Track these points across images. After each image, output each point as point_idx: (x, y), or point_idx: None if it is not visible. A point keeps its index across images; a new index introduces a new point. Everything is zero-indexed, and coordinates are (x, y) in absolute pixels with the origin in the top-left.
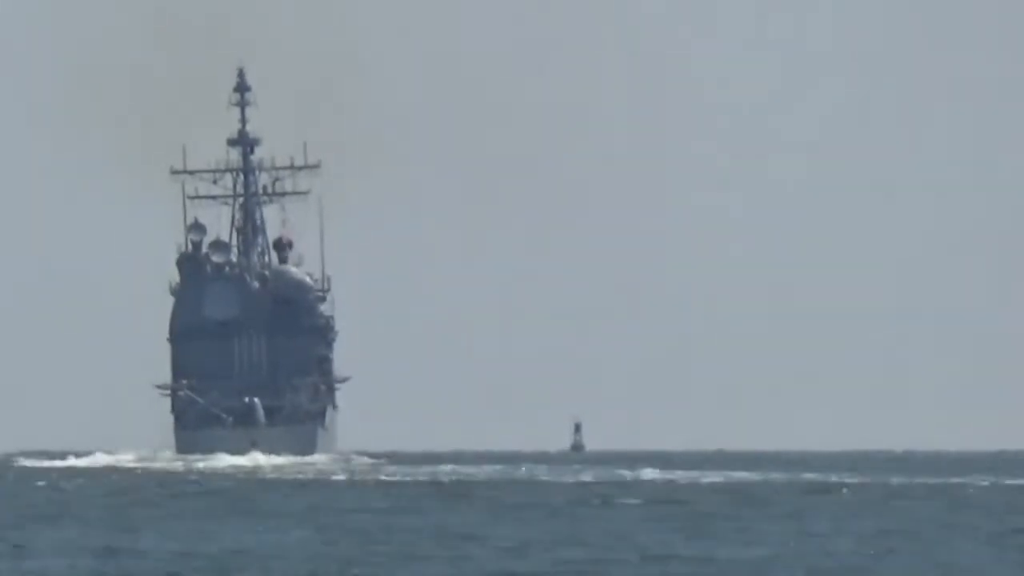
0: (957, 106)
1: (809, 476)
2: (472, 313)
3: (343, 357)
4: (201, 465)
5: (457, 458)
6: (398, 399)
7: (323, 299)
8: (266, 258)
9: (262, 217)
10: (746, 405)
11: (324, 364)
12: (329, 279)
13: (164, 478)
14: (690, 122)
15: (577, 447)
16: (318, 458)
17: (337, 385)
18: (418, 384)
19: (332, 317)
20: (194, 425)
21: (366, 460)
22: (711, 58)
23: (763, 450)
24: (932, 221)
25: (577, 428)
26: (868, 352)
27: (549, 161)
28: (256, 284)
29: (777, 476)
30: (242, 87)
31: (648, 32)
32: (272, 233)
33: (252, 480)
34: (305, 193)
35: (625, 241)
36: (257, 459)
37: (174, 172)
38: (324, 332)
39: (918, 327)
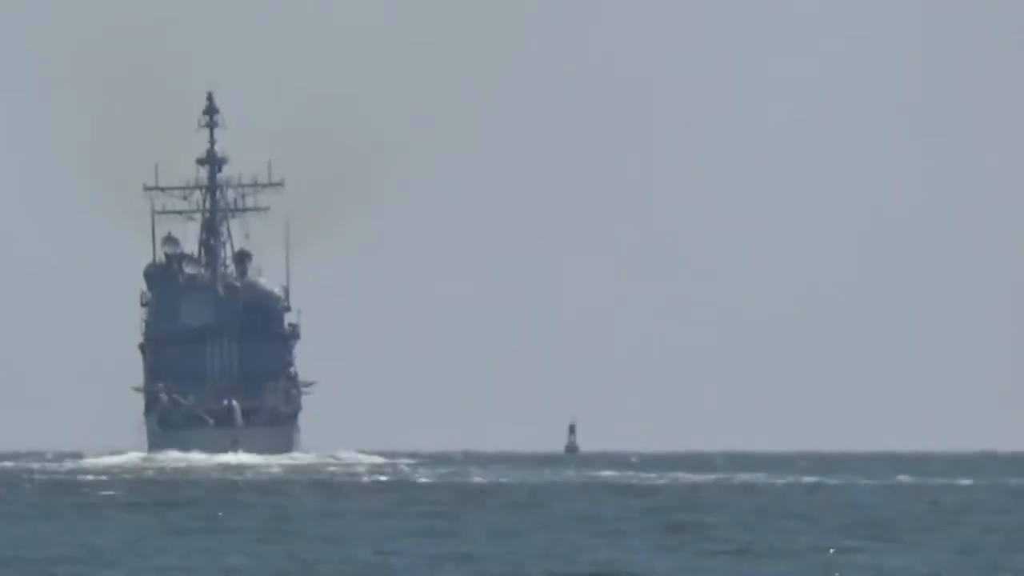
0: (960, 106)
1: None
2: (466, 312)
3: (309, 362)
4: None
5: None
6: (376, 401)
7: (288, 309)
8: (228, 270)
9: (228, 232)
10: (741, 407)
11: (291, 369)
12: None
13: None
14: (688, 124)
15: (571, 449)
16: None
17: (305, 389)
18: (402, 386)
19: (298, 325)
20: (179, 426)
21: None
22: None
23: (757, 451)
24: (933, 222)
25: (572, 430)
26: (867, 354)
27: (526, 165)
28: (223, 294)
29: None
30: (211, 109)
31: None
32: (235, 247)
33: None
34: (265, 209)
35: (618, 241)
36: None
37: (147, 189)
38: (290, 339)
39: (915, 329)
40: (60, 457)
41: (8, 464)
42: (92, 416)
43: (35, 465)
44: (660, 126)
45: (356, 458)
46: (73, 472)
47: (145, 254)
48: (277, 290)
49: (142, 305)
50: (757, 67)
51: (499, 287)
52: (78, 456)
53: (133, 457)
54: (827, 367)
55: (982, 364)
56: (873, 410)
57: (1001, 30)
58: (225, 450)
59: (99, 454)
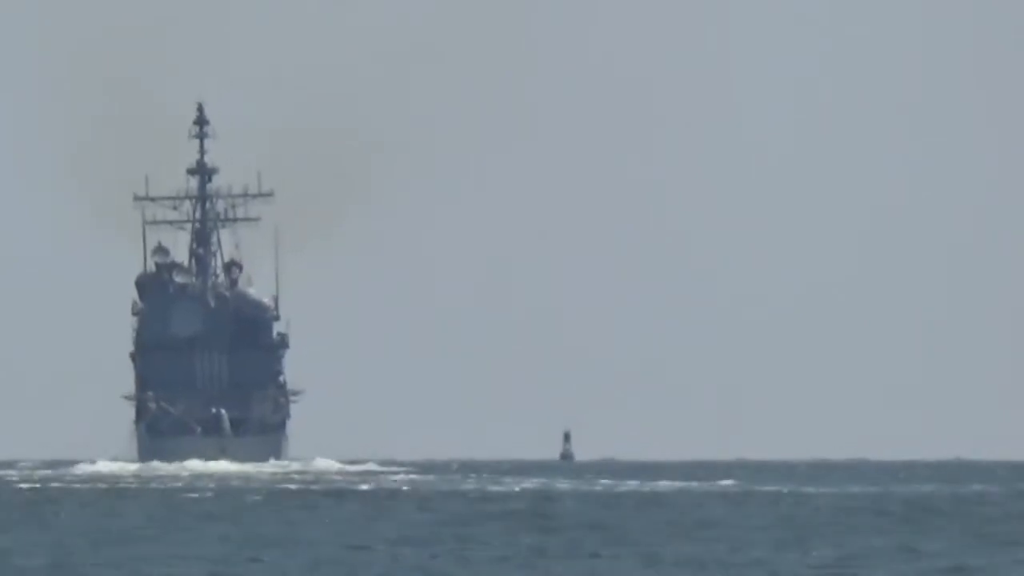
0: (960, 106)
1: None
2: (461, 317)
3: (298, 372)
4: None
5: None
6: (365, 410)
7: (277, 318)
8: (218, 279)
9: (218, 242)
10: (740, 414)
11: (280, 378)
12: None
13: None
14: (689, 124)
15: (566, 456)
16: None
17: (293, 398)
18: (391, 394)
19: (287, 335)
20: (168, 434)
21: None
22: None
23: (755, 460)
24: (934, 221)
25: (567, 437)
26: (869, 355)
27: (526, 165)
28: (213, 303)
29: None
30: (201, 120)
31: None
32: (225, 257)
33: None
34: (256, 219)
35: (618, 241)
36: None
37: (137, 199)
38: (279, 348)
39: (916, 329)
40: (51, 465)
41: None
42: (83, 424)
43: (15, 473)
44: (660, 126)
45: (332, 467)
46: (57, 480)
47: (136, 264)
48: (266, 300)
49: (133, 314)
50: (757, 67)
51: (498, 288)
52: (66, 464)
53: (120, 466)
54: (822, 374)
55: (983, 366)
56: (874, 414)
57: (1001, 30)
58: (213, 458)
59: (90, 461)
